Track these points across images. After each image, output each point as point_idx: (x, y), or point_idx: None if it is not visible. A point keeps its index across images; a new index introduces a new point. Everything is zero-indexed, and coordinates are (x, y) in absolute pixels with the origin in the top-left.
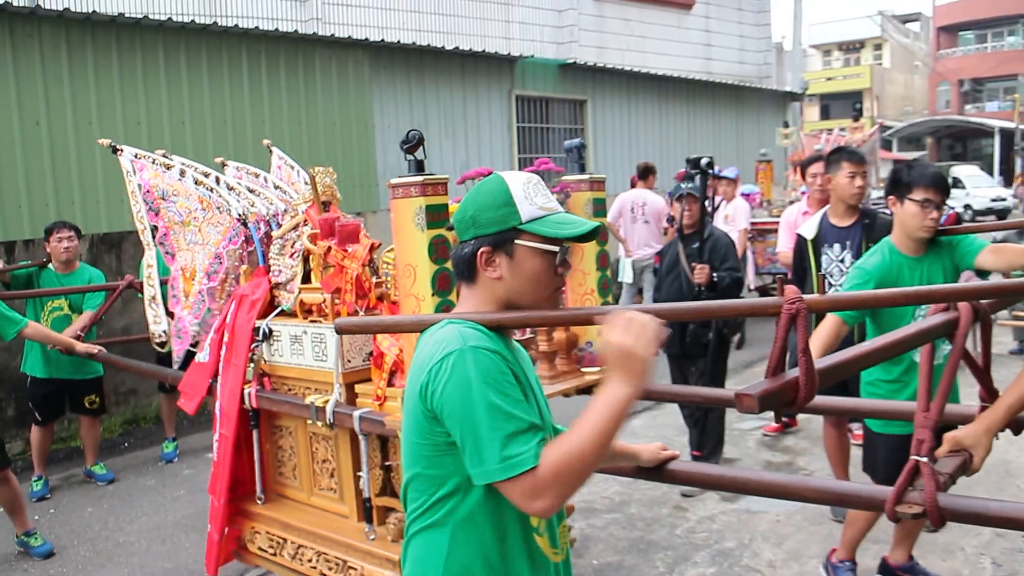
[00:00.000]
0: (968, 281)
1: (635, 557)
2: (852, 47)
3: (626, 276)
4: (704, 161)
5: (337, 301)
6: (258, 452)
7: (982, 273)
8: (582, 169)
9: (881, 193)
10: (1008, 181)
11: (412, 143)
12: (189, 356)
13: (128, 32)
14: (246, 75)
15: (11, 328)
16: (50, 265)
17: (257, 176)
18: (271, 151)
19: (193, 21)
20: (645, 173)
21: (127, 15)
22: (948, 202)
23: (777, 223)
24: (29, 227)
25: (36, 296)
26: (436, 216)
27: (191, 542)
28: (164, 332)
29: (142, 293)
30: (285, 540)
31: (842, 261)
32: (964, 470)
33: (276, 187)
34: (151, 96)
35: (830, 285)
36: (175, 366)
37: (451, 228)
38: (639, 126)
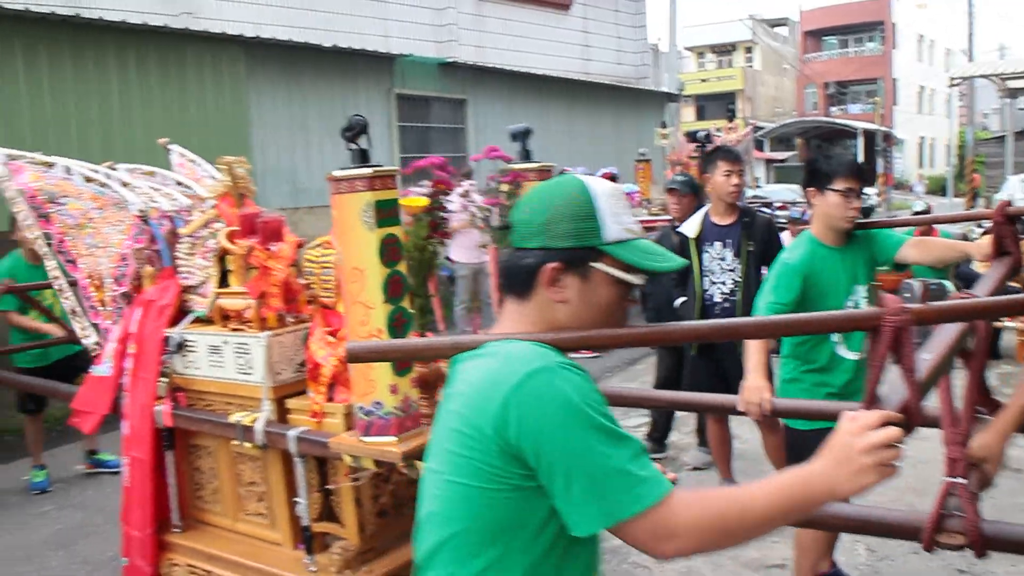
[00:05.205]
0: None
1: None
2: (724, 50)
3: None
4: (700, 134)
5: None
6: (174, 475)
7: (900, 266)
8: (527, 156)
9: (757, 192)
10: (871, 180)
11: (355, 130)
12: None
13: None
14: (114, 72)
15: None
16: None
17: (152, 175)
18: (168, 150)
19: (53, 13)
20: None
21: None
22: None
23: (656, 222)
24: None
25: None
26: (386, 213)
27: (58, 560)
28: (97, 344)
29: (20, 300)
30: (210, 572)
31: (723, 259)
32: (984, 485)
33: (179, 183)
34: (9, 95)
35: (712, 283)
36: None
37: (437, 223)
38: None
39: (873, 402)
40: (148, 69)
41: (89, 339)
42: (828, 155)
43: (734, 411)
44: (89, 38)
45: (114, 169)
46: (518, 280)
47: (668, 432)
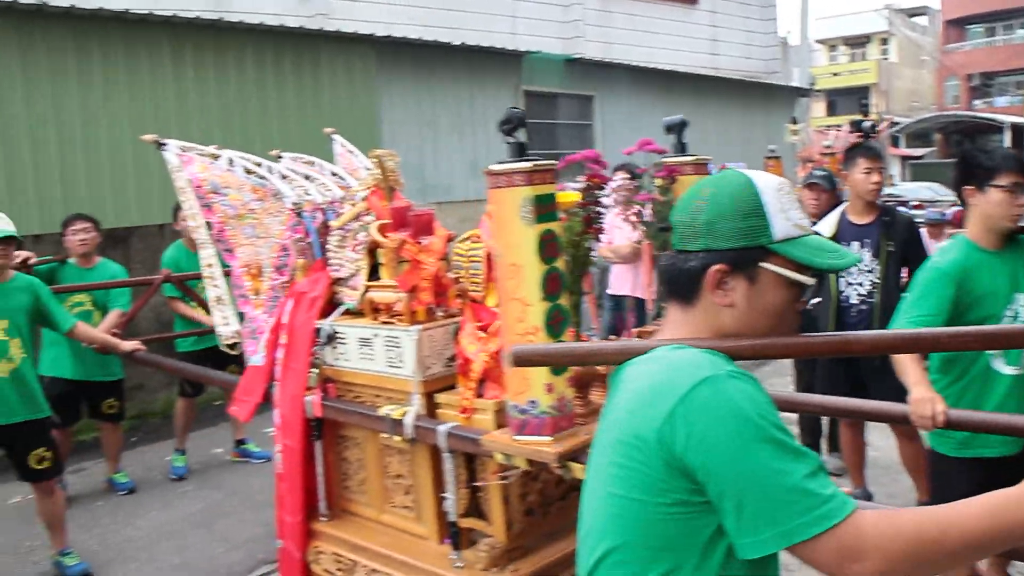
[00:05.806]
0: None
1: None
2: (858, 42)
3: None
4: (866, 124)
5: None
6: (322, 465)
7: None
8: (683, 149)
9: (892, 191)
10: None
11: (513, 123)
12: None
13: (134, 28)
14: (252, 71)
15: (66, 324)
16: (70, 260)
17: (312, 164)
18: (333, 139)
19: (199, 17)
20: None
21: (132, 11)
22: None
23: None
24: (38, 221)
25: (63, 292)
26: (545, 208)
27: (198, 538)
28: (236, 332)
29: (179, 289)
30: (355, 563)
31: (860, 259)
32: None
33: (333, 173)
34: (158, 93)
35: (848, 284)
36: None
37: (592, 218)
38: (646, 121)
39: None
40: (284, 69)
41: (228, 327)
42: (985, 149)
43: (903, 421)
44: (231, 40)
45: (280, 158)
46: (681, 285)
47: (819, 437)
